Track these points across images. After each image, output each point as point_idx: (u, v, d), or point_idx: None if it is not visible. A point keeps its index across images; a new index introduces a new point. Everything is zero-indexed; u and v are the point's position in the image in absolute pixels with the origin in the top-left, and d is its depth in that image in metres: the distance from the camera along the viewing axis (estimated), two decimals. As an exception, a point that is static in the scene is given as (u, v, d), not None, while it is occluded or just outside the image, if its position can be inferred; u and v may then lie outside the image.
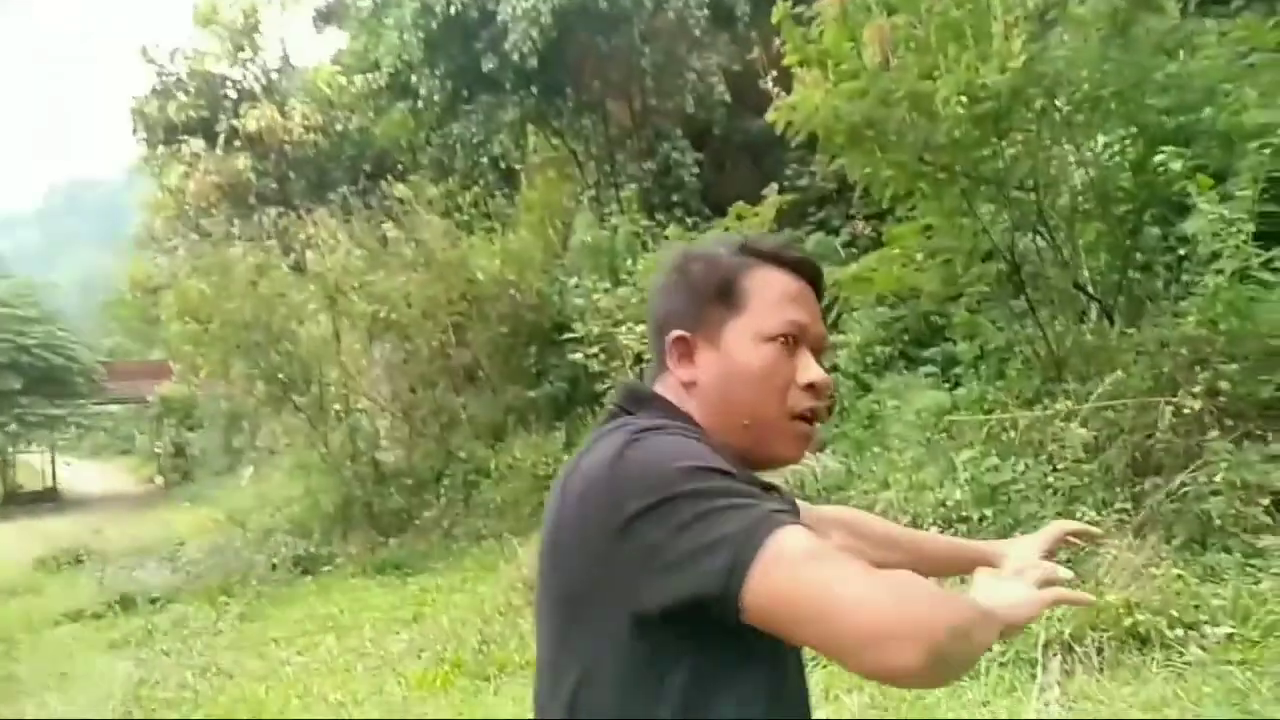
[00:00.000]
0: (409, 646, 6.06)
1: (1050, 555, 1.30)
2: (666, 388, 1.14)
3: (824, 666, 4.12)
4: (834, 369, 8.75)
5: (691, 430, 1.06)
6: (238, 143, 16.18)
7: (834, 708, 3.78)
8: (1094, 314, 6.26)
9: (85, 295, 46.51)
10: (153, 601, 8.32)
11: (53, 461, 28.21)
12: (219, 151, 16.14)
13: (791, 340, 1.11)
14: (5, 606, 9.19)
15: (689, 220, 11.80)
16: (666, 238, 9.55)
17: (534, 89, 13.51)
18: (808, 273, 1.15)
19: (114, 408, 29.56)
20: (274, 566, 9.02)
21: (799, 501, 1.24)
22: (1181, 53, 4.85)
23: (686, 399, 1.12)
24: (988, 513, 4.84)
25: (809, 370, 1.11)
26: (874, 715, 3.68)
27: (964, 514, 5.10)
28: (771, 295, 1.11)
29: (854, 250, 9.70)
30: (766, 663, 1.01)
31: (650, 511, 0.91)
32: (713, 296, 1.12)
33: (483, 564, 7.92)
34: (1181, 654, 3.69)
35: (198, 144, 16.36)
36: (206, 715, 5.21)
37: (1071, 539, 1.37)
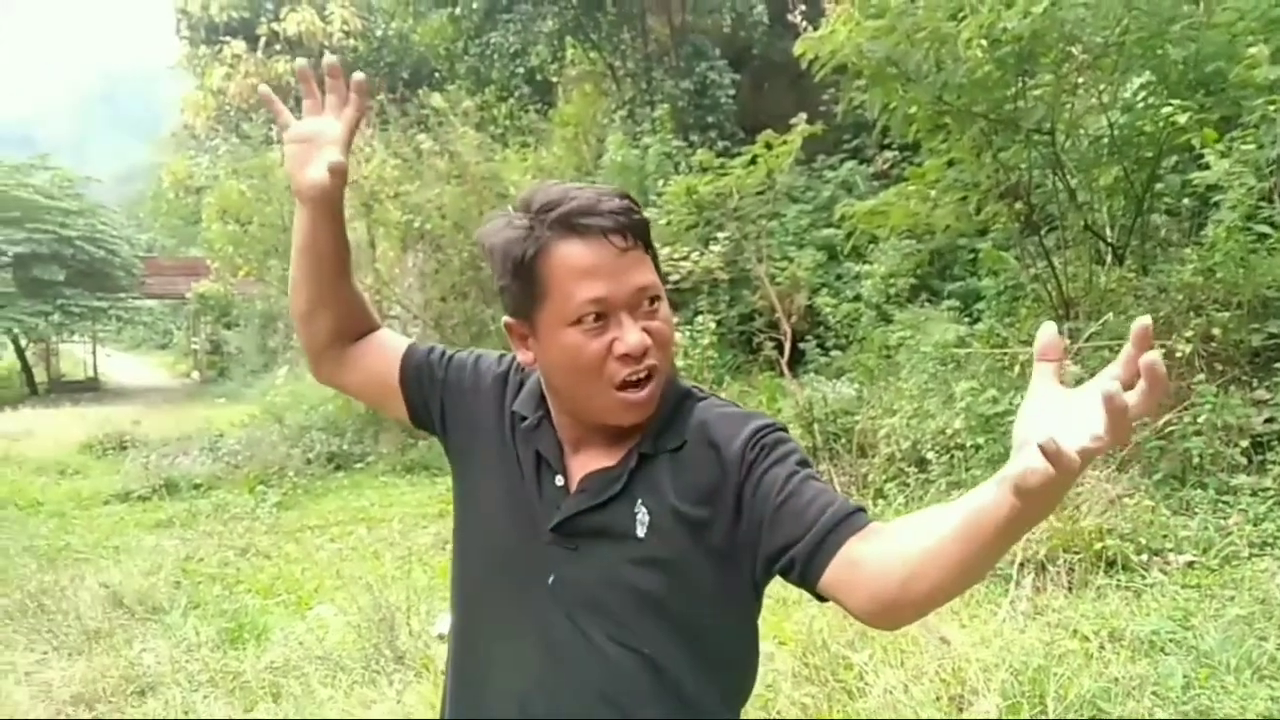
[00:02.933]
0: (435, 539, 6.47)
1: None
2: None
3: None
4: (856, 298, 8.96)
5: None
6: (278, 46, 16.27)
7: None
8: (1109, 257, 6.43)
9: (121, 188, 46.93)
10: (195, 487, 8.79)
11: (94, 352, 28.97)
12: (260, 54, 16.26)
13: (596, 315, 1.09)
14: (56, 485, 9.74)
15: (721, 144, 11.83)
16: (698, 160, 9.66)
17: (574, 0, 13.47)
18: (605, 229, 1.09)
19: (152, 303, 30.13)
20: (309, 461, 9.47)
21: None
22: (1201, 4, 4.92)
23: None
24: (980, 441, 5.12)
25: (622, 341, 1.09)
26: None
27: (960, 442, 5.38)
28: (566, 275, 1.09)
29: (886, 181, 9.80)
30: None
31: None
32: (517, 286, 1.13)
33: (507, 469, 8.31)
34: (1144, 577, 4.00)
35: (239, 45, 16.47)
36: (248, 590, 5.67)
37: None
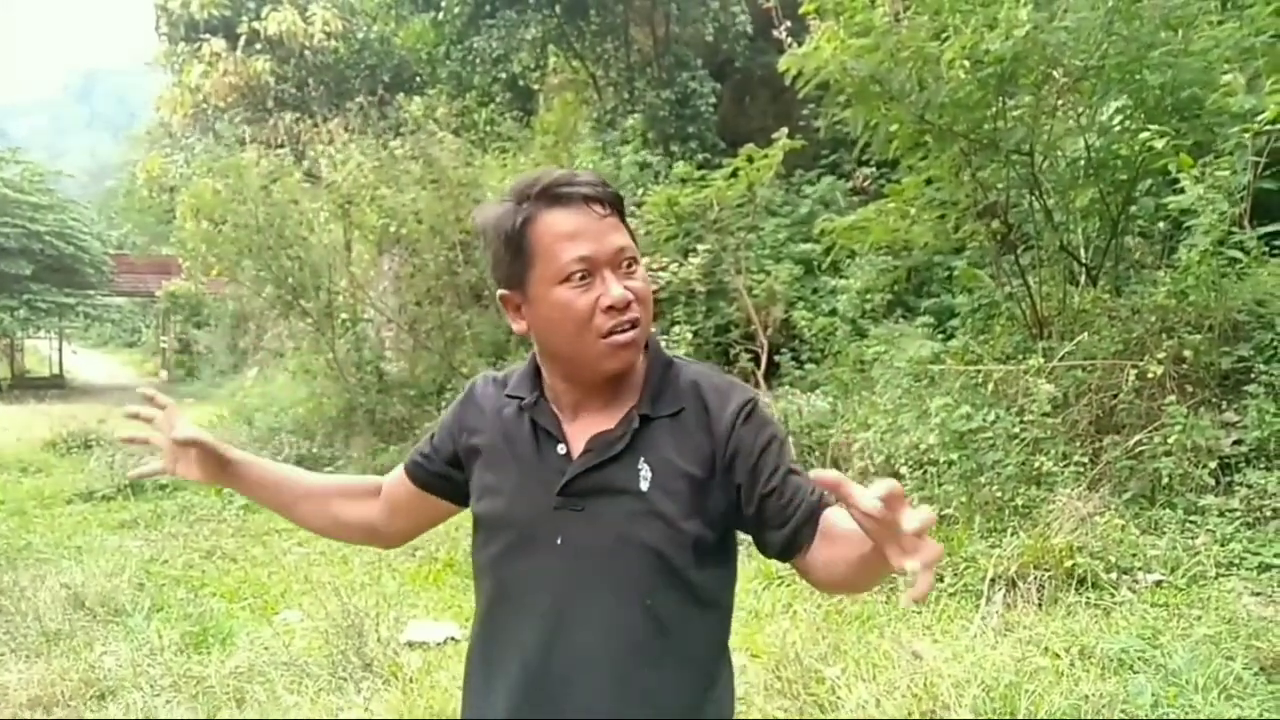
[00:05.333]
0: (404, 546, 6.40)
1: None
2: None
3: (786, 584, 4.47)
4: (832, 313, 9.00)
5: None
6: (258, 45, 16.12)
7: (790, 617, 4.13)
8: (1083, 277, 6.50)
9: (94, 184, 46.43)
10: (161, 488, 8.60)
11: (60, 349, 28.60)
12: (239, 53, 16.10)
13: (582, 274, 1.21)
14: (18, 483, 9.55)
15: (701, 155, 11.84)
16: (677, 172, 9.66)
17: (557, 8, 13.48)
18: (585, 198, 1.22)
19: (121, 300, 29.79)
20: (278, 463, 9.35)
21: None
22: (1180, 31, 4.99)
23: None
24: (954, 457, 5.14)
25: (606, 295, 1.21)
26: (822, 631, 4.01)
27: (933, 457, 5.41)
28: (551, 240, 1.21)
29: (864, 197, 9.85)
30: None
31: None
32: (510, 256, 1.25)
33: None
34: (1113, 595, 4.03)
35: (219, 44, 16.30)
36: (213, 593, 5.58)
37: None
